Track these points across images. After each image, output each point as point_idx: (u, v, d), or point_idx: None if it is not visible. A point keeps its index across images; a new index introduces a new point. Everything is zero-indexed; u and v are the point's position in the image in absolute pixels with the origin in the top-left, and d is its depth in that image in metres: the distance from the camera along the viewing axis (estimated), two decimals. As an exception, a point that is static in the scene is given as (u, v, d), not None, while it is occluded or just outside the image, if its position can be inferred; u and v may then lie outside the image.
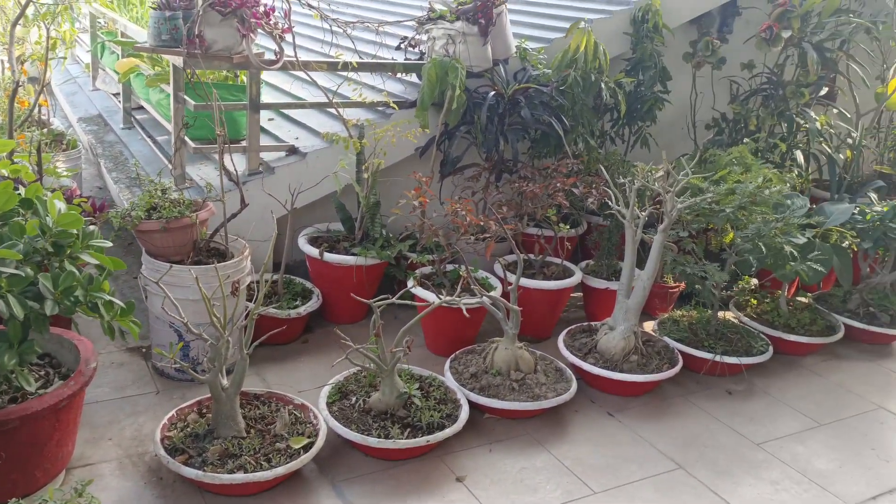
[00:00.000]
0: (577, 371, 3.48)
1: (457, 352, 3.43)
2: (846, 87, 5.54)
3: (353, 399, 2.97)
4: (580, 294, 4.30)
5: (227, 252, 3.30)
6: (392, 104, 3.84)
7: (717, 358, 3.61)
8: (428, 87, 3.90)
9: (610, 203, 3.61)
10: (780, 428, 3.33)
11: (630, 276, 3.53)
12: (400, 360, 2.85)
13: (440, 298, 3.02)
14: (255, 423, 2.75)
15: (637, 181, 3.50)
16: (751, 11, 5.26)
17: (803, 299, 4.48)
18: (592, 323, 3.80)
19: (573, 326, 3.77)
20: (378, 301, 2.79)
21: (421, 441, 2.77)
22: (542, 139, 4.27)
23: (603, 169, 3.71)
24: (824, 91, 5.55)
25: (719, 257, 3.87)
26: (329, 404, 2.91)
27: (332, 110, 4.00)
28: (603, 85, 4.23)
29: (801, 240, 3.92)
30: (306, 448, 2.63)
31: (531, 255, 4.03)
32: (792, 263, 3.51)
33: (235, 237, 3.43)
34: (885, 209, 4.07)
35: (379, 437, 2.76)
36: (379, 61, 4.20)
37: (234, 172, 3.41)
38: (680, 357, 3.58)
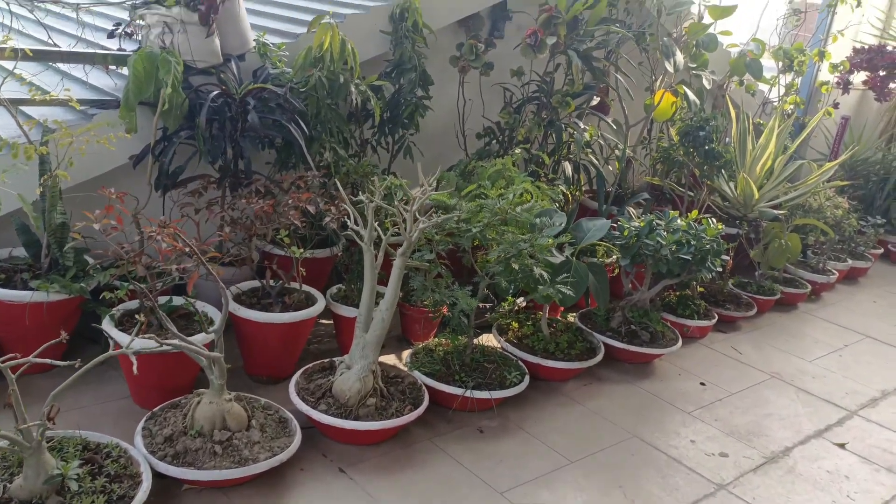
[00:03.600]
0: (310, 419, 3.00)
1: (156, 408, 2.83)
2: (618, 98, 5.52)
3: (-9, 486, 2.29)
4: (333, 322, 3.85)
5: None
6: (74, 103, 3.14)
7: (468, 393, 3.29)
8: (134, 83, 3.25)
9: (348, 222, 3.17)
10: (529, 470, 3.04)
11: (369, 307, 3.11)
12: (43, 436, 2.21)
13: (128, 348, 2.40)
14: None
15: (376, 198, 3.08)
16: (522, 16, 5.07)
17: (571, 316, 4.33)
18: (335, 359, 3.34)
19: (312, 364, 3.30)
20: (5, 361, 2.13)
21: (69, 540, 2.15)
22: (286, 148, 3.76)
23: (339, 184, 3.26)
24: (596, 101, 5.50)
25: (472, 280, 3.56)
26: (-49, 497, 2.22)
27: (24, 107, 3.26)
28: (353, 88, 3.79)
29: (559, 258, 3.71)
30: None
31: (272, 281, 3.50)
32: (540, 287, 3.25)
33: None
34: (641, 224, 3.96)
35: (8, 541, 2.11)
36: (60, 50, 3.47)
37: None
38: (426, 395, 3.20)
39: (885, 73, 7.21)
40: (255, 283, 3.51)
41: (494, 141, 4.91)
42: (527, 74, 4.91)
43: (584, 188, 5.30)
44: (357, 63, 3.80)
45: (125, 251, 2.90)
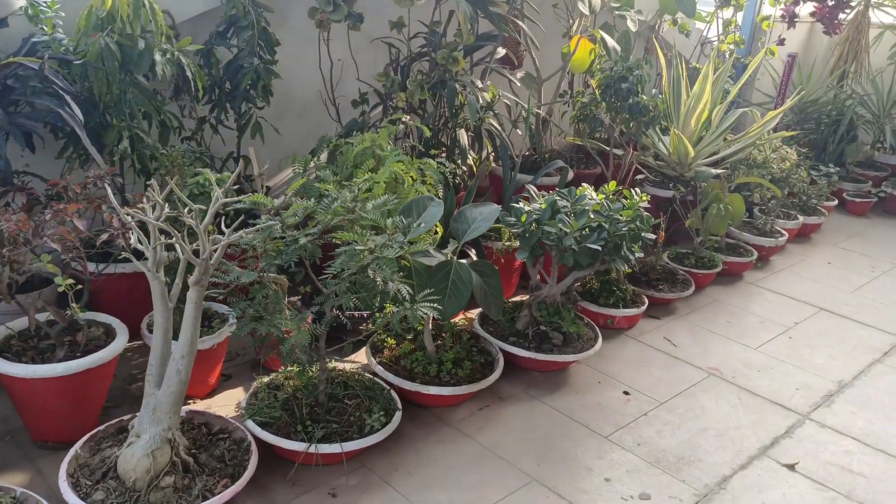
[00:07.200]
0: (87, 509, 2.23)
1: None
2: (529, 49, 4.72)
3: None
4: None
5: None
6: None
7: (313, 449, 2.54)
8: None
9: (132, 239, 2.36)
10: (386, 552, 2.33)
11: (162, 354, 2.32)
12: None
13: None
14: None
15: (156, 207, 2.27)
16: (402, -45, 4.20)
17: (470, 315, 3.60)
18: (136, 417, 2.56)
19: (105, 426, 2.51)
20: None
21: None
22: (72, 137, 2.92)
23: (109, 189, 2.43)
24: (502, 54, 4.69)
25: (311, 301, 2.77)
26: None
27: None
28: (158, 56, 2.94)
29: (437, 258, 2.95)
30: None
31: (43, 319, 2.69)
32: (395, 308, 2.48)
33: None
34: (543, 206, 3.20)
35: None
36: None
37: None
38: (253, 460, 2.44)
39: (833, 2, 6.47)
40: (18, 323, 2.68)
41: (379, 108, 4.10)
42: (411, 27, 4.07)
43: (493, 156, 4.52)
44: (160, 22, 2.94)
45: None
